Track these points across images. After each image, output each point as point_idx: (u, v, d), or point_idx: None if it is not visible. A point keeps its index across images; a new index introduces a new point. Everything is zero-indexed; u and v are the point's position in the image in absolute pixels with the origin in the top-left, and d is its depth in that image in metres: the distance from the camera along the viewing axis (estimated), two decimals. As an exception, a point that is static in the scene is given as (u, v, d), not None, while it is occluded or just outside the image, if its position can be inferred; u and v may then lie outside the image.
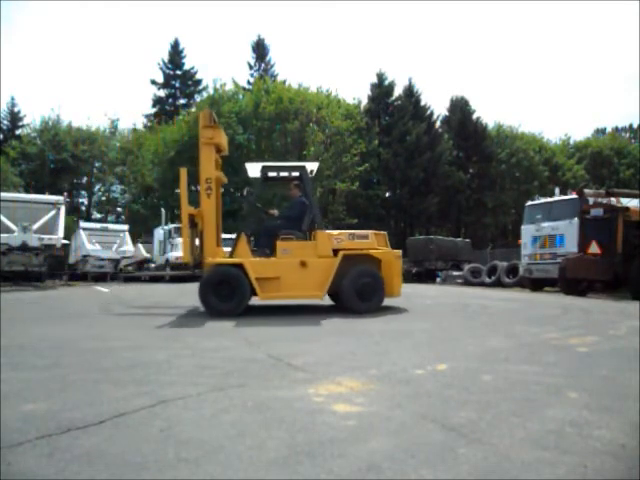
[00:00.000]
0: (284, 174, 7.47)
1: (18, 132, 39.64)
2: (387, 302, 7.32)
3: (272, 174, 7.36)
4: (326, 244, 6.95)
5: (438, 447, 2.08)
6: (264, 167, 7.31)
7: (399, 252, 7.66)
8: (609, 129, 52.60)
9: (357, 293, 6.86)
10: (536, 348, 4.39)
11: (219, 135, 7.23)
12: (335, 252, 6.94)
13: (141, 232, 27.08)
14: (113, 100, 69.15)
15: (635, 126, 51.87)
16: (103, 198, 40.03)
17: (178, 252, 18.58)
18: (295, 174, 7.37)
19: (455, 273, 18.54)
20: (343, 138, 30.06)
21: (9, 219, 14.11)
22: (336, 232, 7.25)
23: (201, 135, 7.13)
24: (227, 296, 6.59)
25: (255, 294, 6.74)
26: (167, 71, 42.80)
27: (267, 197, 29.48)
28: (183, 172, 7.09)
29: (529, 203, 14.78)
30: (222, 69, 79.24)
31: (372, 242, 7.19)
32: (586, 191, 12.08)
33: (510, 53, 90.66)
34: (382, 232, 7.69)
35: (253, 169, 7.53)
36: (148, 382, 3.11)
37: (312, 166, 7.67)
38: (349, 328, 5.66)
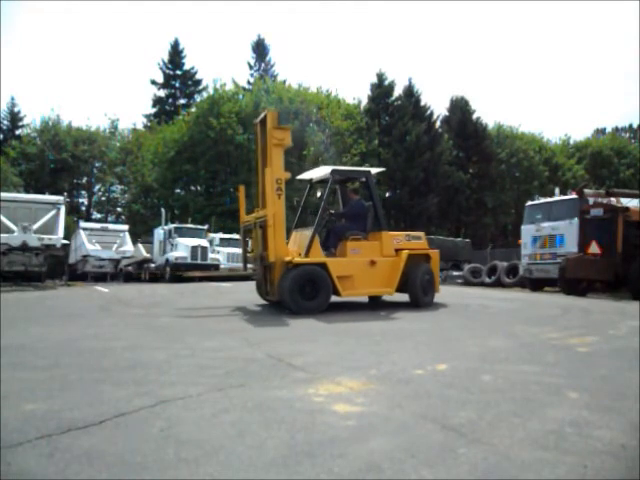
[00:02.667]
0: (349, 177, 8.14)
1: (18, 132, 39.65)
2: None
3: (341, 177, 7.84)
4: (390, 244, 7.56)
5: (438, 447, 2.08)
6: (334, 170, 7.58)
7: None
8: (609, 129, 52.70)
9: (422, 288, 7.58)
10: (536, 348, 4.39)
11: (288, 137, 7.23)
12: (394, 252, 7.56)
13: (141, 232, 27.03)
14: (113, 100, 69.13)
15: (635, 126, 51.98)
16: (103, 198, 40.01)
17: (179, 252, 18.65)
18: (362, 178, 8.04)
19: (455, 273, 18.53)
20: (343, 138, 30.05)
21: (9, 219, 14.08)
22: (394, 233, 7.88)
23: (272, 136, 7.08)
24: (311, 294, 6.82)
25: (335, 292, 7.03)
26: (167, 71, 42.81)
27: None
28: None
29: (529, 203, 14.77)
30: (222, 69, 79.22)
31: (424, 242, 8.05)
32: (586, 191, 12.05)
33: (510, 53, 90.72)
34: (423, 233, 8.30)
35: (323, 172, 7.86)
36: (148, 382, 3.11)
37: (376, 171, 8.28)
38: (349, 328, 5.66)
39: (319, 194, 8.14)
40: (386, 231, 7.61)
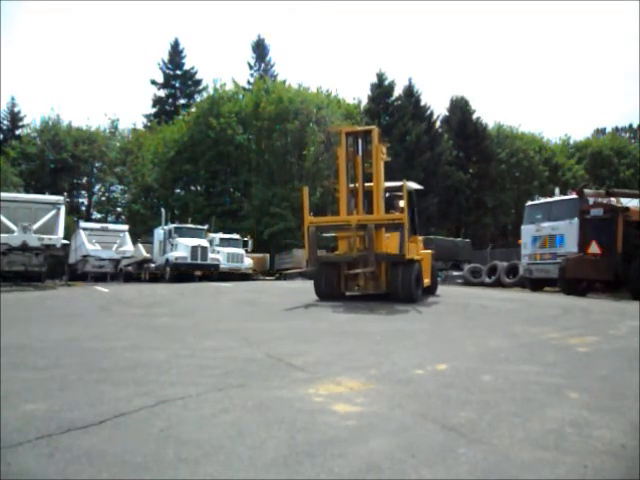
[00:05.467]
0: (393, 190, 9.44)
1: (18, 132, 39.66)
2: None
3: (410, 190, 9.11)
4: (420, 246, 9.44)
5: (438, 447, 2.08)
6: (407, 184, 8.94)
7: None
8: (609, 129, 52.68)
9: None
10: (536, 348, 4.38)
11: (385, 151, 8.46)
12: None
13: (141, 232, 27.03)
14: (113, 100, 69.16)
15: (635, 126, 51.95)
16: (103, 198, 39.99)
17: (179, 252, 18.67)
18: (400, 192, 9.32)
19: (455, 273, 18.53)
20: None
21: (9, 219, 14.06)
22: (419, 237, 9.59)
23: (379, 151, 8.23)
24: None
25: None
26: (167, 71, 42.83)
27: (267, 198, 29.51)
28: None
29: (529, 203, 14.77)
30: (222, 69, 79.21)
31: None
32: (586, 191, 12.06)
33: (510, 53, 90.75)
34: None
35: (399, 184, 8.99)
36: (148, 382, 3.10)
37: (416, 187, 9.94)
38: (349, 328, 5.66)
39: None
40: (418, 236, 9.36)
